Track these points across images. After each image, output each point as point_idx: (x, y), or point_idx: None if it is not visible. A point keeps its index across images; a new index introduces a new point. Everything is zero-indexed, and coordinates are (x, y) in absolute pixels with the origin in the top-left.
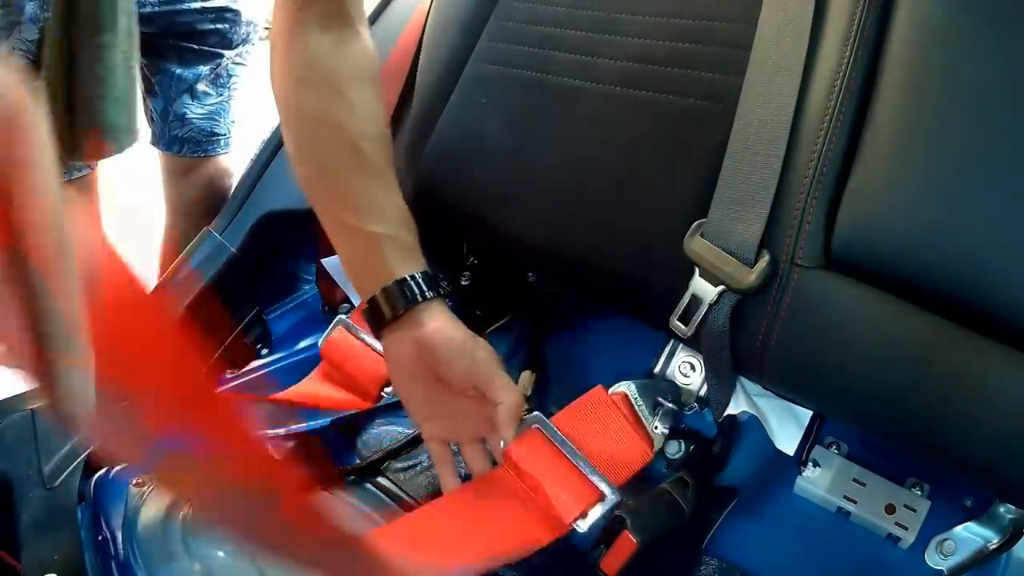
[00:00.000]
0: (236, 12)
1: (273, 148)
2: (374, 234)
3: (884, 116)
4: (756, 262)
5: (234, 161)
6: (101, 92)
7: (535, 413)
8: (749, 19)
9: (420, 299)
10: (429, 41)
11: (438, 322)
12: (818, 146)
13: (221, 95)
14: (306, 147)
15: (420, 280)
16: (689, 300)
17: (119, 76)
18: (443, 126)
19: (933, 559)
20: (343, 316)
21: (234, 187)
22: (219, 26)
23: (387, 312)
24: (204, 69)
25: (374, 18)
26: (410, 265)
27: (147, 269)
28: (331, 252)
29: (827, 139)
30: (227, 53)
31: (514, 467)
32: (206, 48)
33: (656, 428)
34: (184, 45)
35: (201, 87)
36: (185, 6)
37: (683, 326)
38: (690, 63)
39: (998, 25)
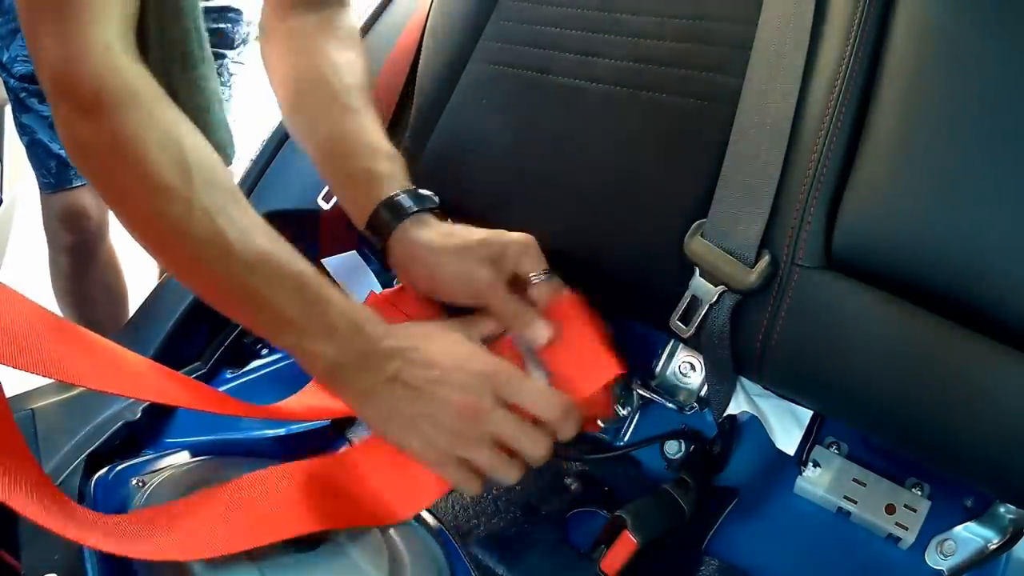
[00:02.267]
0: (238, 12)
1: (273, 148)
2: (368, 169)
3: (884, 116)
4: (756, 262)
5: (234, 161)
6: (205, 120)
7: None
8: (750, 19)
9: (416, 209)
10: (429, 41)
11: (435, 230)
12: (818, 146)
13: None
14: (299, 104)
15: (412, 196)
16: (689, 300)
17: (215, 102)
18: (443, 126)
19: (933, 559)
20: None
21: None
22: (221, 25)
23: (389, 220)
24: None
25: (374, 18)
26: (403, 187)
27: (148, 269)
28: (331, 252)
29: (827, 139)
30: (228, 53)
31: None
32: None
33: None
34: None
35: None
36: None
37: (683, 326)
38: (690, 63)
39: (998, 25)
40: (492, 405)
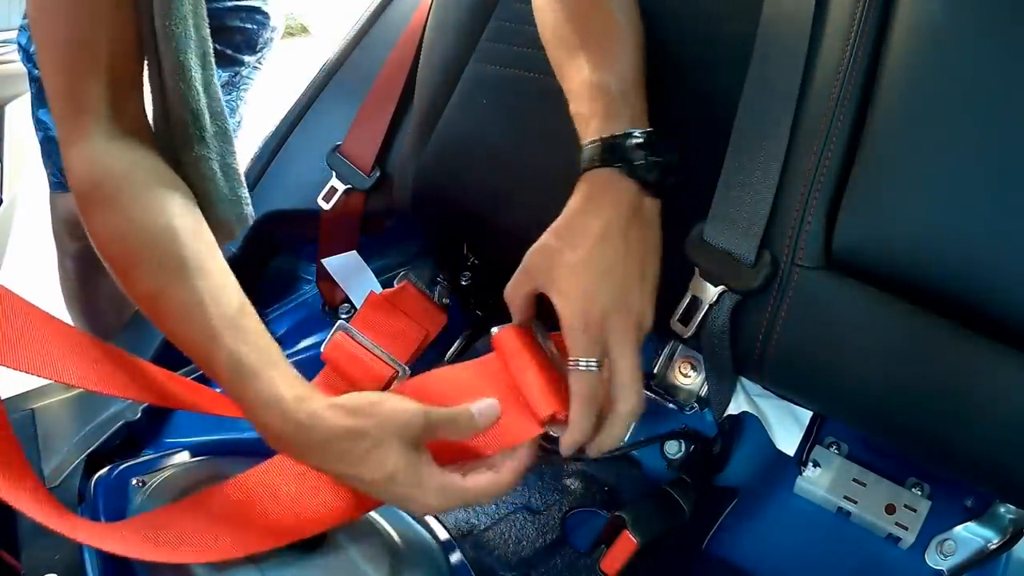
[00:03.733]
0: (266, 15)
1: (273, 148)
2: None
3: (884, 116)
4: (756, 262)
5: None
6: (208, 201)
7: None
8: (750, 19)
9: None
10: (429, 41)
11: None
12: (818, 146)
13: (230, 95)
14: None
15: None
16: (689, 301)
17: (219, 179)
18: (443, 126)
19: (933, 559)
20: (343, 321)
21: None
22: (247, 25)
23: None
24: (222, 75)
25: (374, 18)
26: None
27: None
28: (331, 252)
29: (827, 139)
30: (248, 59)
31: None
32: (228, 51)
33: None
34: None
35: None
36: (219, 4)
37: (683, 327)
38: (691, 65)
39: (998, 25)
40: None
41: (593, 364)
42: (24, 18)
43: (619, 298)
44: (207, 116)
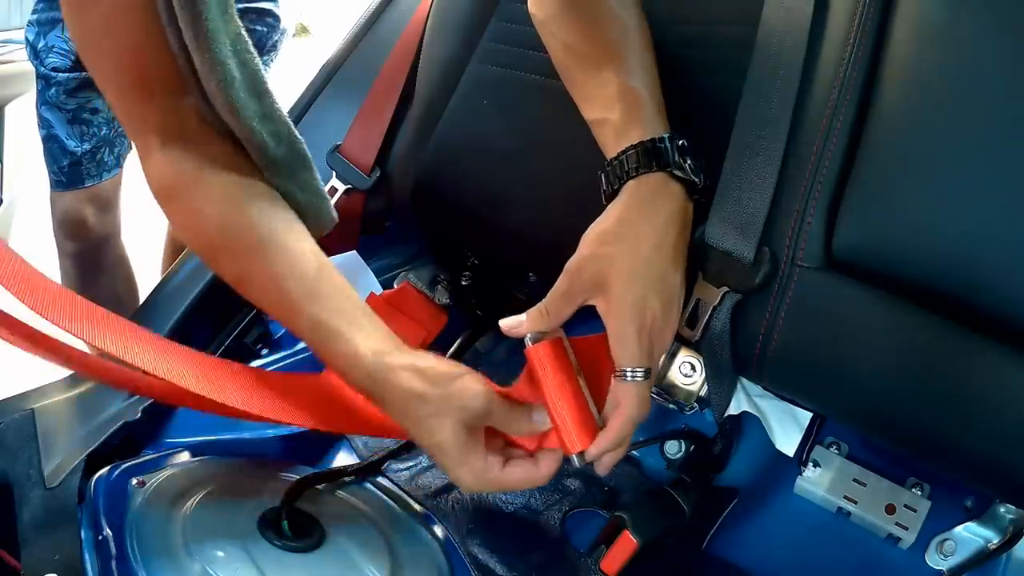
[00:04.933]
0: (276, 17)
1: None
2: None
3: (884, 116)
4: (756, 261)
5: None
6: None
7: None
8: (750, 21)
9: None
10: (429, 41)
11: None
12: (818, 146)
13: None
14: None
15: None
16: (694, 304)
17: (299, 197)
18: (444, 127)
19: (933, 559)
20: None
21: None
22: (258, 27)
23: None
24: None
25: (374, 18)
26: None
27: (150, 268)
28: (331, 252)
29: (827, 139)
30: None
31: None
32: None
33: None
34: None
35: None
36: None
37: (690, 330)
38: (691, 67)
39: (998, 25)
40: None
41: (640, 374)
42: (33, 13)
43: (667, 306)
44: (271, 144)
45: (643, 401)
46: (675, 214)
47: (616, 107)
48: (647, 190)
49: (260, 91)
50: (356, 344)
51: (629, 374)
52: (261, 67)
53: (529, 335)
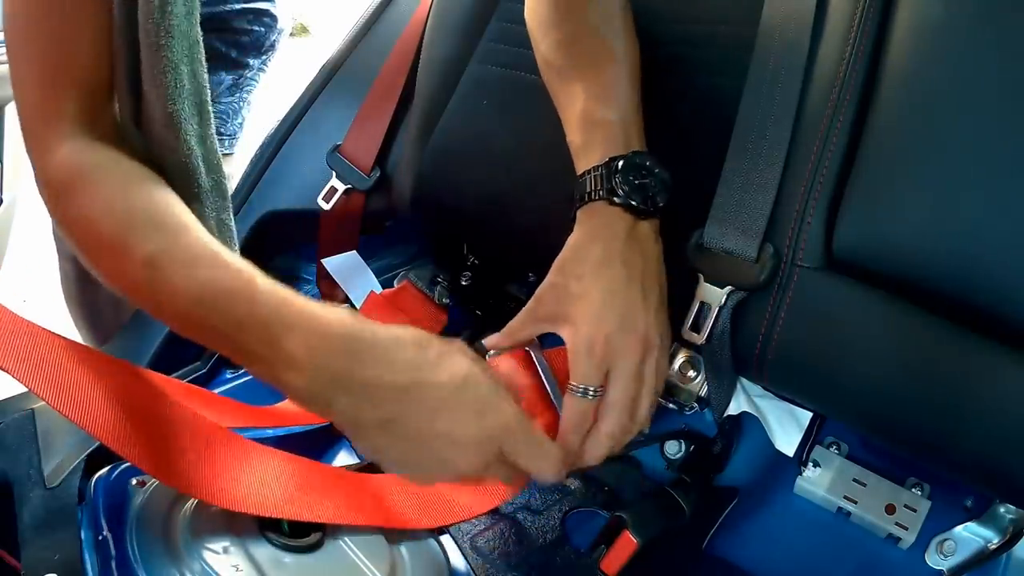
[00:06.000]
0: (273, 17)
1: (274, 148)
2: None
3: (884, 116)
4: (759, 258)
5: (235, 162)
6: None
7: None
8: (750, 21)
9: None
10: (429, 41)
11: None
12: (818, 146)
13: (234, 96)
14: None
15: None
16: (698, 308)
17: (214, 236)
18: (444, 127)
19: (933, 559)
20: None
21: (234, 187)
22: (255, 28)
23: None
24: (227, 78)
25: (374, 18)
26: None
27: None
28: (331, 252)
29: (827, 140)
30: (253, 62)
31: None
32: (233, 54)
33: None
34: (214, 48)
35: (216, 92)
36: (228, 7)
37: (695, 334)
38: (691, 68)
39: (998, 25)
40: (493, 460)
41: (586, 391)
42: None
43: (623, 320)
44: (202, 171)
45: (581, 416)
46: (620, 234)
47: (579, 128)
48: (591, 218)
49: (203, 111)
50: (324, 311)
51: (578, 390)
52: (208, 87)
53: (491, 351)
